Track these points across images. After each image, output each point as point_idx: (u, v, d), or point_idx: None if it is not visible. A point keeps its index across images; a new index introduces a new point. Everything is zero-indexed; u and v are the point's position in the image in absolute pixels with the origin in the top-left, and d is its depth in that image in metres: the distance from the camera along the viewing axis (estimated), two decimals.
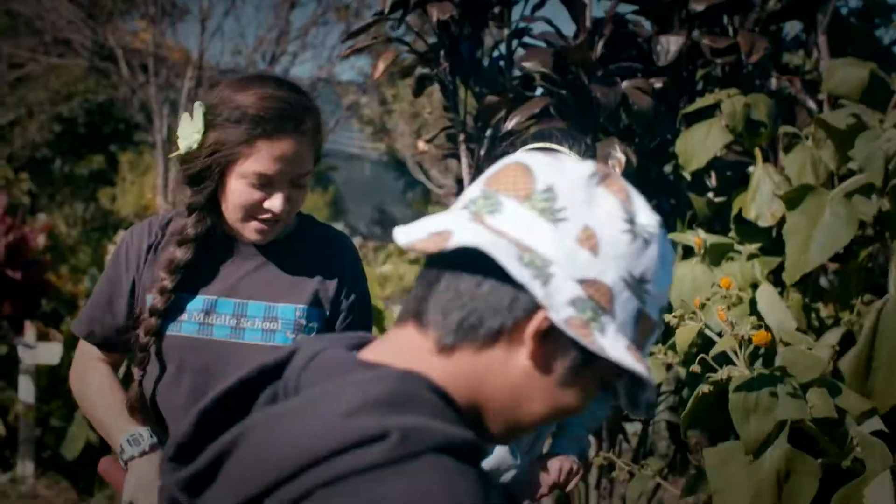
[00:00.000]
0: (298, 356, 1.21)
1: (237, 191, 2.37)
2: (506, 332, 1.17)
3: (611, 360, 1.17)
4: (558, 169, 1.21)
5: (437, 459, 1.07)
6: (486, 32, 4.27)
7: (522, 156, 1.24)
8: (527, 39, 4.23)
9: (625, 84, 3.89)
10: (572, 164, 1.23)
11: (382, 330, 5.96)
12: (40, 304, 7.82)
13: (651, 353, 3.71)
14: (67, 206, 19.18)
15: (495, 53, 4.32)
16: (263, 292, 2.48)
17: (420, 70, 4.07)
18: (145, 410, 2.54)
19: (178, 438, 1.21)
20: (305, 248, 2.56)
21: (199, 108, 2.38)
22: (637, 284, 1.18)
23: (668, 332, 3.76)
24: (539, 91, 4.22)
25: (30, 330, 6.58)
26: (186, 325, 2.46)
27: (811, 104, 4.18)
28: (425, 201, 29.30)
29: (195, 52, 14.39)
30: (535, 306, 1.16)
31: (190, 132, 2.38)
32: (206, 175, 2.39)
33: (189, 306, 2.46)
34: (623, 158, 3.69)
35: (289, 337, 2.45)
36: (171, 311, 2.46)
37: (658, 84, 3.97)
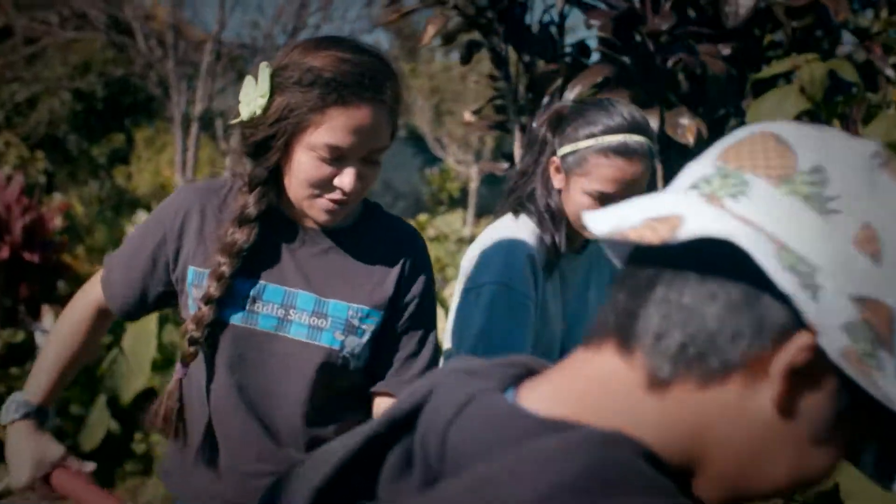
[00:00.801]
0: (440, 402, 0.89)
1: (304, 164, 2.07)
2: (745, 364, 0.84)
3: (889, 411, 0.84)
4: (825, 143, 0.88)
5: None
6: None
7: (772, 124, 0.91)
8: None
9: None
10: (843, 139, 0.89)
11: None
12: (57, 287, 7.57)
13: None
14: (83, 185, 18.98)
15: (545, 18, 4.01)
16: (316, 283, 2.19)
17: (466, 36, 3.74)
18: (180, 418, 2.25)
19: None
20: (368, 239, 2.26)
21: (265, 70, 2.09)
22: None
23: None
24: (593, 58, 3.93)
25: (47, 314, 6.32)
26: (230, 311, 2.17)
27: (889, 71, 3.86)
28: (442, 178, 29.08)
29: (214, 25, 14.08)
30: (793, 328, 0.83)
31: (254, 96, 2.09)
32: (270, 145, 2.10)
33: (235, 290, 2.17)
34: (694, 127, 3.38)
35: (337, 338, 2.17)
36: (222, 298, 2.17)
37: (726, 50, 3.65)
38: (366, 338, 2.20)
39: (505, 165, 3.99)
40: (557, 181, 2.68)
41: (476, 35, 3.70)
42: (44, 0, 16.11)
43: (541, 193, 2.68)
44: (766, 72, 3.68)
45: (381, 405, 2.28)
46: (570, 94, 3.50)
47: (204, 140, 18.43)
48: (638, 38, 3.75)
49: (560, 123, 2.70)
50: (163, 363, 6.48)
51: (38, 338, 6.28)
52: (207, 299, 2.14)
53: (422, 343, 2.28)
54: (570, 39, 3.95)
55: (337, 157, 2.04)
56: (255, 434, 2.19)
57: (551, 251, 2.66)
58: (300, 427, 2.19)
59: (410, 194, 26.95)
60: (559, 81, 3.63)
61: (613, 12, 3.55)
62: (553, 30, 3.97)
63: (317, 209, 2.12)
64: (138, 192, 19.22)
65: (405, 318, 2.24)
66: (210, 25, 14.31)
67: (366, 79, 2.03)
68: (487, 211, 19.05)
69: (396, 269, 2.23)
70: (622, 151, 2.59)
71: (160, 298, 2.29)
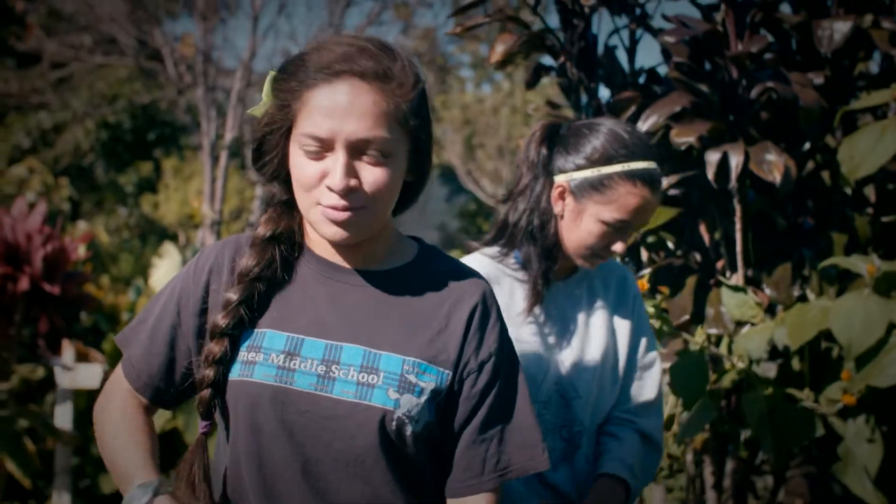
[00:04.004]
0: None
1: (294, 164, 1.82)
2: None
3: None
4: None
5: None
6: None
7: None
8: (657, 25, 3.57)
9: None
10: None
11: None
12: (79, 319, 7.30)
13: (799, 400, 3.10)
14: (107, 213, 18.83)
15: (612, 42, 3.70)
16: (364, 334, 1.86)
17: (534, 56, 3.42)
18: (208, 482, 1.92)
19: None
20: (424, 284, 1.93)
21: (270, 74, 1.88)
22: None
23: (823, 377, 3.18)
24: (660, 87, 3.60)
25: (68, 350, 6.02)
26: (261, 367, 1.84)
27: None
28: (473, 213, 28.81)
29: (245, 51, 13.87)
30: None
31: (259, 104, 1.88)
32: (267, 149, 1.87)
33: (266, 344, 1.85)
34: (782, 165, 3.05)
35: (391, 397, 1.82)
36: (247, 348, 1.86)
37: (818, 79, 3.32)
38: (424, 398, 1.85)
39: None
40: (560, 207, 2.42)
41: (537, 57, 3.39)
42: (73, 25, 15.97)
43: (534, 220, 2.44)
44: (859, 104, 3.35)
45: None
46: (644, 126, 3.18)
47: (232, 170, 18.24)
48: (708, 64, 3.44)
49: (560, 144, 2.45)
50: (185, 404, 6.21)
51: (58, 373, 5.99)
52: (215, 332, 1.85)
53: (510, 414, 1.93)
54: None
55: (320, 150, 1.77)
56: None
57: (539, 285, 2.43)
58: None
59: (440, 228, 26.75)
60: (632, 110, 3.30)
61: (690, 32, 3.21)
62: (620, 54, 3.66)
63: (320, 221, 1.82)
64: (165, 222, 19.03)
65: (474, 381, 1.91)
66: (241, 52, 14.13)
67: (354, 55, 1.77)
68: None
69: (461, 321, 1.90)
70: (648, 179, 2.40)
71: (190, 382, 1.95)
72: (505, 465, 1.92)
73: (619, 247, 2.46)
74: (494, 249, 2.50)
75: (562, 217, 2.45)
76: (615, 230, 2.42)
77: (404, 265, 1.94)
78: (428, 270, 1.95)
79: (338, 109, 1.75)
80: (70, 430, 6.08)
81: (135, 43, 14.68)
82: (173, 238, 18.26)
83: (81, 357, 6.21)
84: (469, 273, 1.99)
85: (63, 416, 6.08)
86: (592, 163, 2.40)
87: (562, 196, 2.44)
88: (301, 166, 1.79)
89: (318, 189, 1.79)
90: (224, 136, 14.90)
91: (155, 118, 19.87)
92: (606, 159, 2.39)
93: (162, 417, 6.10)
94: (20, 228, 6.33)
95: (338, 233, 1.82)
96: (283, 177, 1.88)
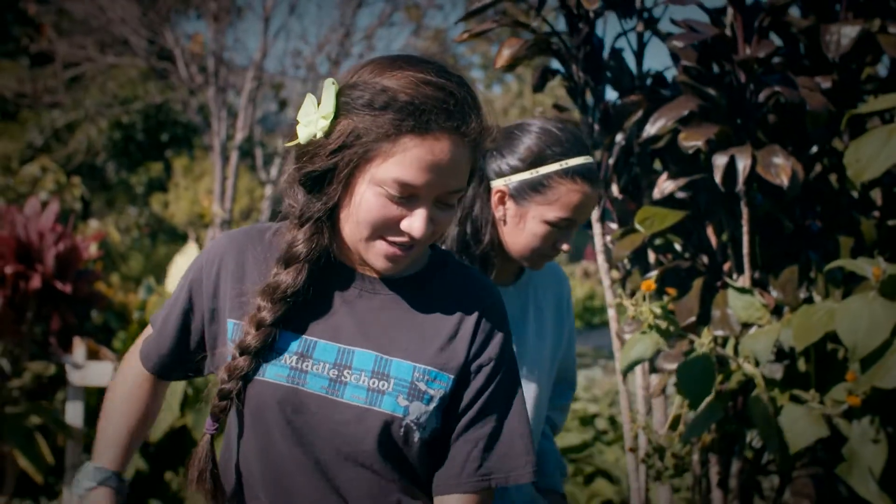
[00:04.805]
0: None
1: (368, 201, 1.77)
2: None
3: None
4: None
5: None
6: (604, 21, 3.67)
7: None
8: (664, 28, 3.61)
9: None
10: None
11: None
12: (90, 317, 7.34)
13: (804, 401, 3.12)
14: (118, 212, 18.88)
15: (618, 44, 3.72)
16: (376, 340, 1.89)
17: (538, 59, 3.45)
18: (215, 479, 1.96)
19: None
20: (437, 291, 1.95)
21: (330, 87, 1.79)
22: None
23: (829, 378, 3.20)
24: (667, 90, 3.63)
25: (79, 347, 6.05)
26: (273, 368, 1.87)
27: None
28: None
29: (256, 52, 13.90)
30: None
31: (315, 117, 1.79)
32: (330, 176, 1.81)
33: (280, 345, 1.88)
34: (790, 168, 3.07)
35: (401, 404, 1.85)
36: (261, 349, 1.87)
37: (826, 83, 3.34)
38: (433, 405, 1.88)
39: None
40: (501, 212, 2.41)
41: (544, 60, 3.42)
42: (85, 26, 16.03)
43: (467, 227, 2.42)
44: (866, 107, 3.36)
45: None
46: (652, 129, 3.20)
47: (242, 169, 18.28)
48: (716, 67, 3.46)
49: (491, 148, 2.42)
50: (193, 401, 6.25)
51: (70, 371, 6.03)
52: (244, 349, 1.86)
53: (499, 422, 1.95)
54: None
55: (407, 196, 1.75)
56: None
57: None
58: None
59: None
60: (639, 114, 3.32)
61: (699, 36, 3.23)
62: (627, 57, 3.68)
63: (376, 254, 1.83)
64: (175, 221, 19.07)
65: (479, 385, 1.94)
66: (252, 52, 14.17)
67: (449, 105, 1.72)
68: None
69: (469, 328, 1.92)
70: (587, 174, 2.39)
71: (199, 360, 2.02)
72: (486, 472, 1.93)
73: (565, 245, 2.45)
74: None
75: (504, 222, 2.42)
76: (559, 229, 2.41)
77: (419, 272, 1.96)
78: (442, 277, 1.97)
79: (439, 164, 1.74)
80: (81, 427, 6.12)
81: (146, 44, 14.73)
82: (183, 237, 18.31)
83: (92, 355, 6.25)
84: (481, 280, 2.02)
85: (74, 413, 6.12)
86: (528, 164, 2.38)
87: (501, 201, 2.42)
88: (378, 207, 1.77)
89: (388, 229, 1.80)
90: (235, 135, 14.95)
91: (167, 119, 19.92)
92: (542, 159, 2.38)
93: (171, 416, 6.14)
94: (33, 227, 6.37)
95: (392, 268, 1.85)
96: (333, 198, 1.83)
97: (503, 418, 1.95)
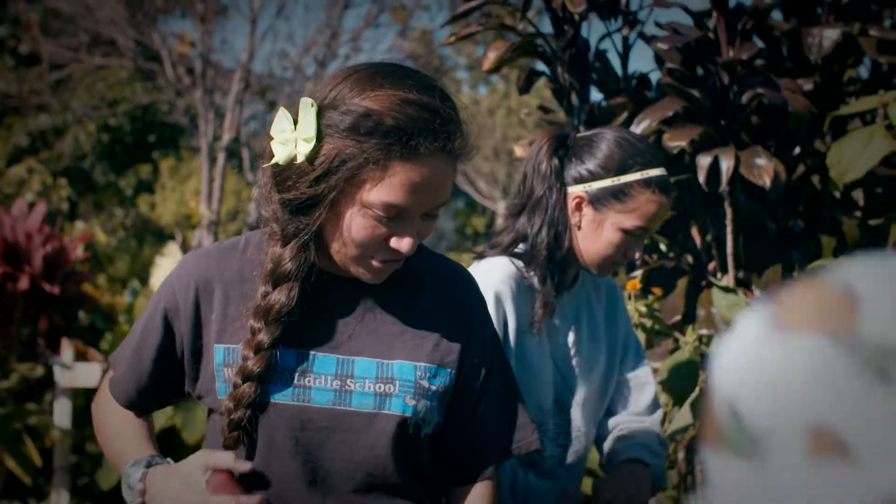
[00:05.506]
0: None
1: (357, 224, 1.75)
2: None
3: None
4: None
5: None
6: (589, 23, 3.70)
7: None
8: (649, 31, 3.64)
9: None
10: None
11: None
12: (78, 318, 7.33)
13: None
14: (105, 214, 18.84)
15: (602, 46, 3.75)
16: (374, 346, 1.87)
17: (524, 61, 3.48)
18: None
19: None
20: (421, 286, 1.95)
21: (309, 108, 1.72)
22: None
23: None
24: (651, 92, 3.66)
25: (67, 349, 6.06)
26: (277, 388, 1.84)
27: None
28: (468, 213, 28.79)
29: (244, 53, 13.89)
30: None
31: (292, 137, 1.74)
32: (315, 200, 1.76)
33: (279, 364, 1.84)
34: (772, 169, 3.11)
35: (408, 403, 1.85)
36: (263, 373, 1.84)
37: (808, 85, 3.38)
38: (436, 401, 1.90)
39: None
40: (577, 218, 2.43)
41: (530, 62, 3.45)
42: (72, 27, 15.99)
43: (551, 232, 2.43)
44: (847, 109, 3.41)
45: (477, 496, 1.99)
46: (637, 129, 3.23)
47: (229, 171, 18.27)
48: (700, 69, 3.50)
49: (570, 155, 2.45)
50: (184, 400, 6.24)
51: (57, 372, 6.03)
52: (247, 375, 1.81)
53: (506, 398, 2.01)
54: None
55: (395, 216, 1.74)
56: None
57: (553, 297, 2.42)
58: None
59: (435, 229, 26.73)
60: (625, 115, 3.36)
61: (683, 39, 3.27)
62: (612, 59, 3.72)
63: (363, 269, 1.81)
64: (162, 222, 19.04)
65: (479, 373, 1.96)
66: (239, 54, 14.17)
67: (434, 125, 1.70)
68: None
69: (457, 318, 1.94)
70: (664, 185, 2.40)
71: (177, 390, 1.98)
72: (500, 451, 1.99)
73: (636, 254, 2.48)
74: (516, 259, 2.47)
75: (579, 227, 2.43)
76: (634, 237, 2.42)
77: (402, 271, 1.91)
78: (422, 271, 1.97)
79: (427, 185, 1.72)
80: (69, 428, 6.13)
81: (133, 44, 14.71)
82: (170, 238, 18.28)
83: (80, 356, 6.25)
84: (456, 268, 2.03)
85: (62, 414, 6.12)
86: (609, 172, 2.40)
87: (579, 206, 2.42)
88: (366, 228, 1.74)
89: (377, 248, 1.78)
90: (222, 137, 14.94)
91: (154, 120, 19.88)
92: (624, 168, 2.38)
93: (161, 416, 6.13)
94: (20, 228, 6.36)
95: (377, 279, 1.84)
96: (317, 222, 1.78)
97: (508, 396, 2.01)
